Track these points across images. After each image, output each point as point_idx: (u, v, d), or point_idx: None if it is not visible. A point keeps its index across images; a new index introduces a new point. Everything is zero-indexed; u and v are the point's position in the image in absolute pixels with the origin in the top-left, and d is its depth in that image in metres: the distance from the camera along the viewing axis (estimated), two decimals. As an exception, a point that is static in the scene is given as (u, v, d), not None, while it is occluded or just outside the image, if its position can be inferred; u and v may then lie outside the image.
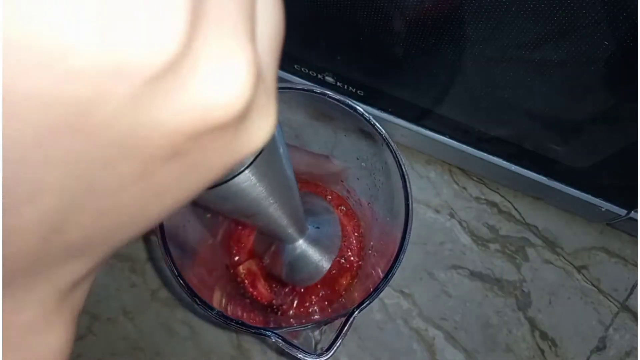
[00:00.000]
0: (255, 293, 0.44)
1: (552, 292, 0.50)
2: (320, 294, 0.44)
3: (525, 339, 0.48)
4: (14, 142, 0.07)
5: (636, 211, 0.41)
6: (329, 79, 0.42)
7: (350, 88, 0.42)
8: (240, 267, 0.45)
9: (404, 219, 0.31)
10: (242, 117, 0.09)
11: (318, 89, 0.33)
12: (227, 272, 0.45)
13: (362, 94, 0.43)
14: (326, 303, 0.44)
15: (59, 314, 0.11)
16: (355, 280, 0.45)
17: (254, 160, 0.17)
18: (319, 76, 0.43)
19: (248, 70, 0.09)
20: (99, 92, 0.07)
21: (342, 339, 0.29)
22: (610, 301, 0.49)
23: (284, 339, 0.29)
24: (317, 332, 0.33)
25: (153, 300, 0.50)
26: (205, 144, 0.09)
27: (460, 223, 0.52)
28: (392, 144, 0.32)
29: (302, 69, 0.43)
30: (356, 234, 0.47)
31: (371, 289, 0.30)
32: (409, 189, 0.32)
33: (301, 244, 0.37)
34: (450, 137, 0.44)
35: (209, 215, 0.41)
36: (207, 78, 0.08)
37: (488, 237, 0.51)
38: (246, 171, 0.17)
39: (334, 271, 0.45)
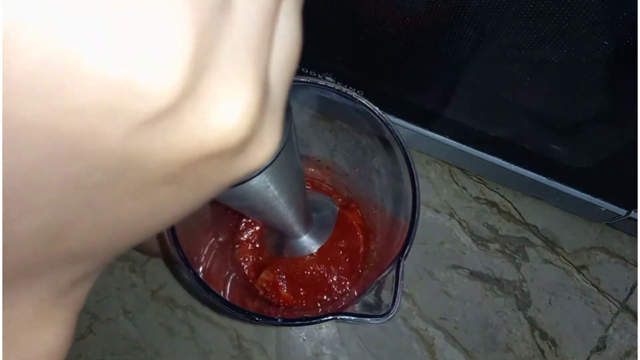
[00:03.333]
0: (281, 301, 0.44)
1: (552, 292, 0.50)
2: (342, 269, 0.44)
3: (525, 339, 0.48)
4: (13, 164, 0.07)
5: (636, 211, 0.41)
6: (329, 79, 0.42)
7: (350, 88, 0.42)
8: (259, 281, 0.44)
9: (404, 159, 0.31)
10: (240, 146, 0.09)
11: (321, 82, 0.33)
12: (249, 291, 0.44)
13: (361, 94, 0.43)
14: (353, 276, 0.44)
15: (57, 311, 0.11)
16: (372, 243, 0.45)
17: (270, 164, 0.17)
18: (319, 76, 0.43)
19: (250, 106, 0.09)
20: (95, 128, 0.07)
21: (402, 289, 0.28)
22: (610, 301, 0.49)
23: (352, 314, 0.29)
24: (371, 296, 0.33)
25: (153, 300, 0.50)
26: (202, 170, 0.09)
27: (460, 223, 0.52)
28: (366, 102, 0.33)
29: (302, 69, 0.43)
30: (344, 202, 0.47)
31: (396, 238, 0.30)
32: (395, 133, 0.32)
33: (305, 239, 0.38)
34: (451, 138, 0.44)
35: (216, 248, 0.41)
36: (206, 115, 0.08)
37: (488, 237, 0.51)
38: (262, 174, 0.17)
39: (343, 244, 0.45)
